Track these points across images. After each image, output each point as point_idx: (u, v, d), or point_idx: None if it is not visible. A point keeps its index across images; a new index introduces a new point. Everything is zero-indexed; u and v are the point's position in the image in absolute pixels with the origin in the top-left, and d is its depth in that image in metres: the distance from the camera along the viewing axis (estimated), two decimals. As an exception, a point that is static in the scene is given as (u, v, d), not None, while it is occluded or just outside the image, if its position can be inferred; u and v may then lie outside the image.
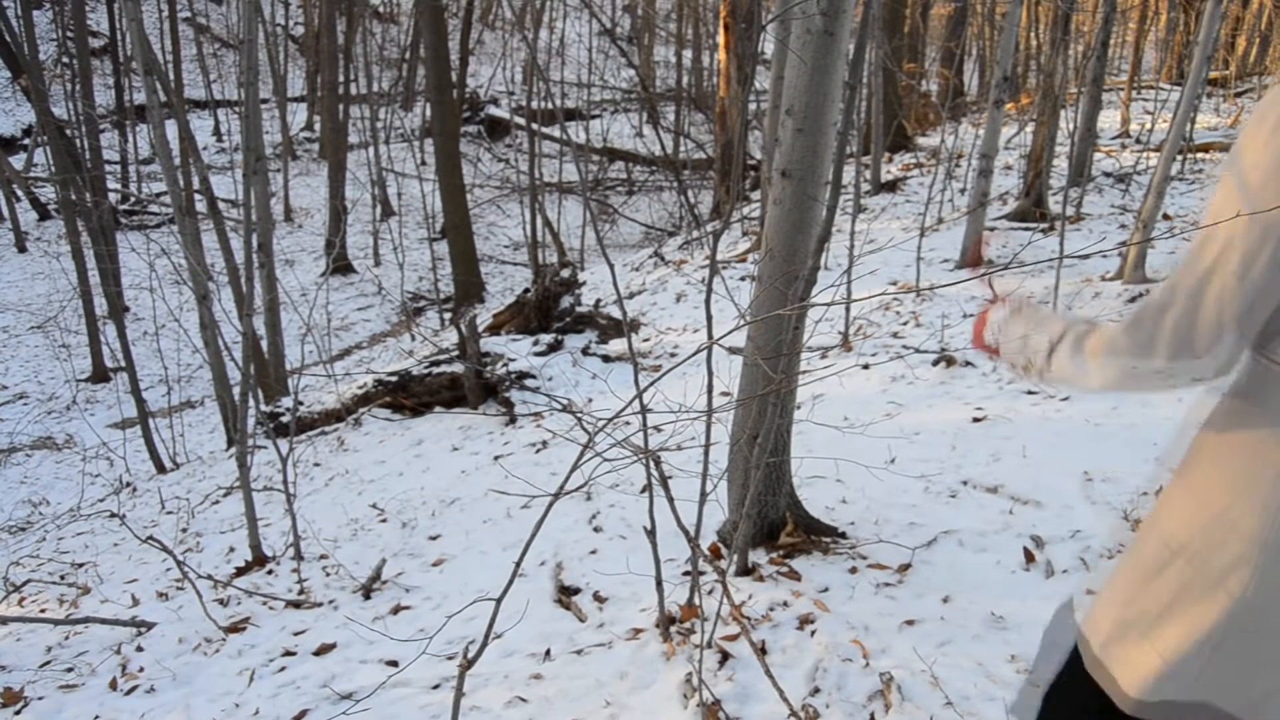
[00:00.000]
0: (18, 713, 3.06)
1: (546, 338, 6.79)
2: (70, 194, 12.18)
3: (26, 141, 19.56)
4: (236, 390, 4.90)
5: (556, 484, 1.98)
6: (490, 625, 2.00)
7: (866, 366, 5.46)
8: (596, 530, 3.84)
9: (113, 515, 5.88)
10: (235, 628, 3.49)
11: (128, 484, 7.95)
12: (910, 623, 2.67)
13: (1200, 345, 1.09)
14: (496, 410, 6.21)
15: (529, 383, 6.24)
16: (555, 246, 13.68)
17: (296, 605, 3.65)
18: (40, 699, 3.14)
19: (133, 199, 18.54)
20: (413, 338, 13.04)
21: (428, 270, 16.15)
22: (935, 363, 5.27)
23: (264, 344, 8.66)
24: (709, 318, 2.38)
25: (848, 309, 6.40)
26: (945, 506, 3.51)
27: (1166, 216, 7.90)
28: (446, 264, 13.94)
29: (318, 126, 22.30)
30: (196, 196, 12.03)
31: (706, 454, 2.62)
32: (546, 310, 7.12)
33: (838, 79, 2.74)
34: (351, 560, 4.06)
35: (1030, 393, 4.65)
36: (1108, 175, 10.19)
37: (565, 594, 3.25)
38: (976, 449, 4.03)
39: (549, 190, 17.15)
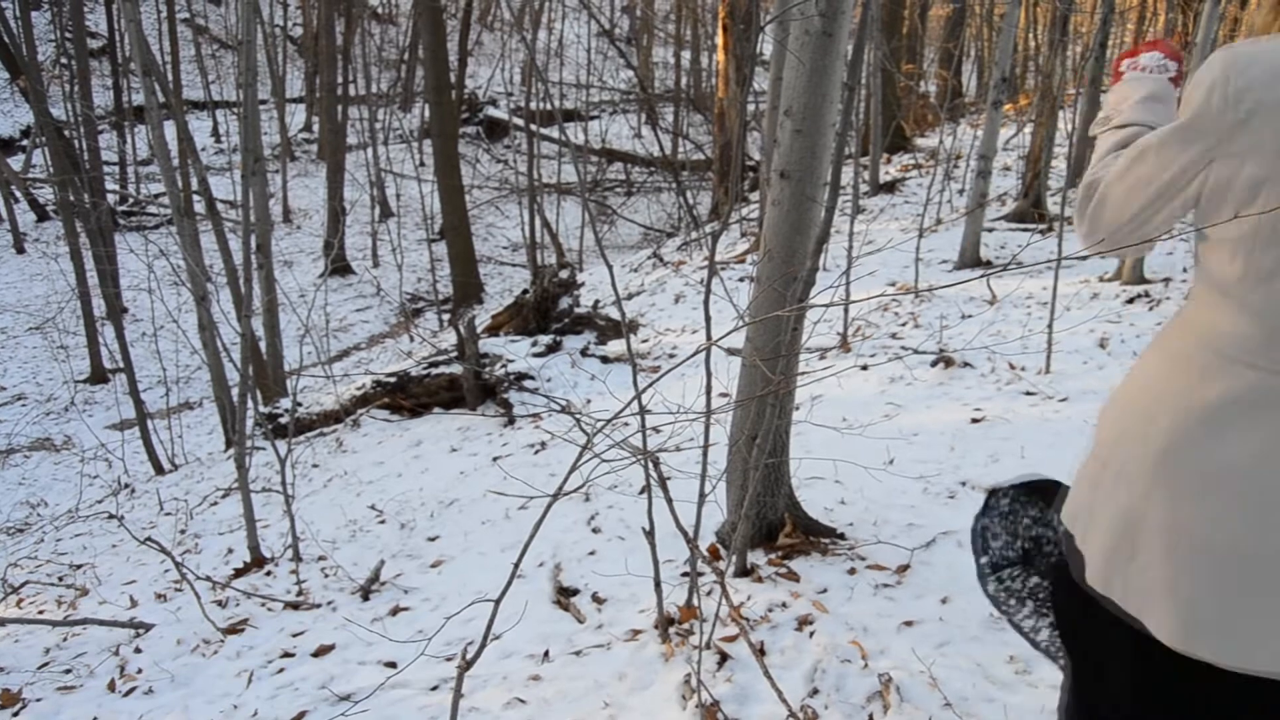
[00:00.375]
0: (16, 714, 3.06)
1: (545, 339, 6.79)
2: (69, 195, 12.17)
3: (25, 142, 19.53)
4: (235, 391, 4.90)
5: (555, 485, 1.98)
6: (489, 626, 2.00)
7: (865, 367, 5.46)
8: (595, 531, 3.84)
9: (111, 516, 5.87)
10: (234, 629, 3.49)
11: (126, 485, 7.95)
12: (909, 624, 2.67)
13: (1099, 235, 1.33)
14: (495, 411, 6.20)
15: (527, 384, 6.24)
16: (554, 247, 13.67)
17: (295, 606, 3.65)
18: (38, 700, 3.14)
19: (131, 200, 18.53)
20: (411, 339, 13.04)
21: (426, 271, 16.15)
22: (934, 364, 5.28)
23: (262, 345, 8.66)
24: (707, 319, 2.38)
25: (846, 310, 6.40)
26: (944, 507, 3.51)
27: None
28: (445, 265, 13.95)
29: (316, 128, 22.28)
30: (195, 198, 12.02)
31: (705, 455, 2.62)
32: (545, 311, 7.11)
33: (836, 80, 2.74)
34: (350, 561, 4.06)
35: (1029, 394, 4.65)
36: (1106, 176, 10.17)
37: (564, 595, 3.24)
38: (975, 450, 4.04)
39: (548, 191, 17.14)
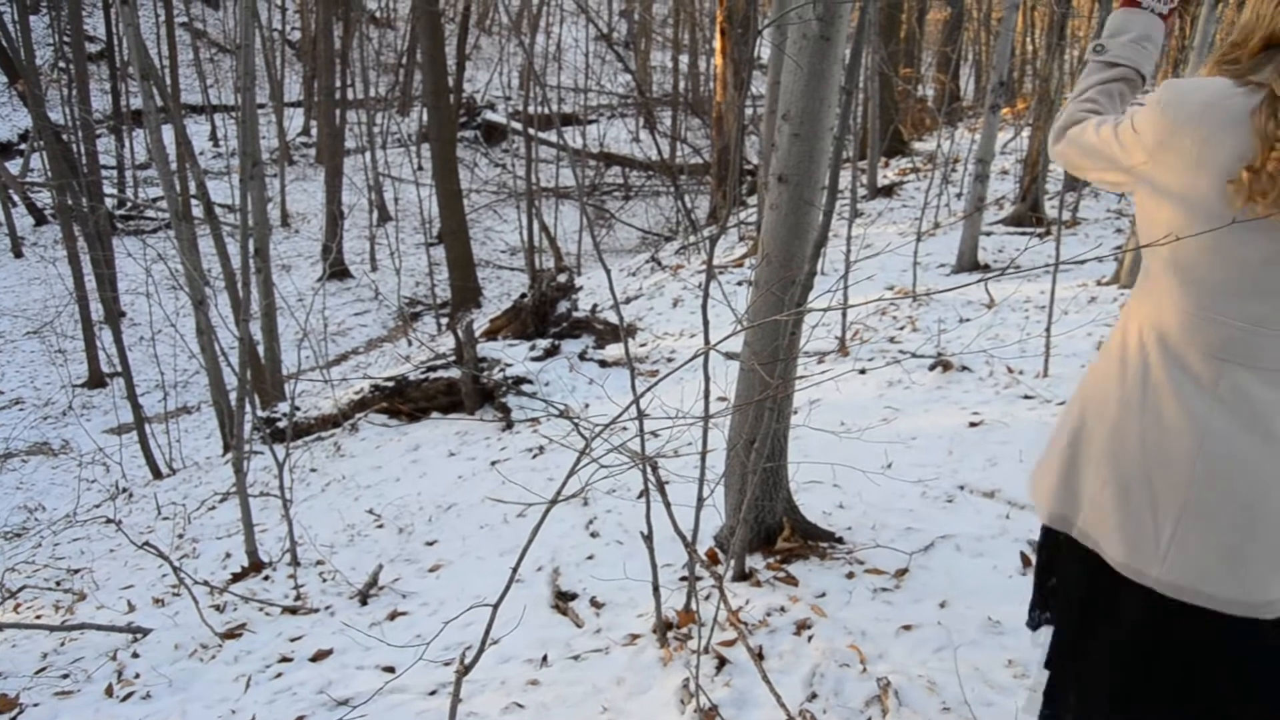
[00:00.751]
0: (13, 720, 3.06)
1: (543, 343, 6.79)
2: (67, 199, 12.16)
3: (23, 146, 19.52)
4: (233, 395, 4.89)
5: (553, 489, 1.98)
6: (487, 631, 2.00)
7: (863, 371, 5.46)
8: (593, 536, 3.84)
9: (109, 521, 5.87)
10: (231, 634, 3.49)
11: (124, 490, 7.93)
12: (907, 628, 2.67)
13: (1062, 161, 1.64)
14: (493, 415, 6.20)
15: (526, 388, 6.24)
16: (552, 251, 13.68)
17: (293, 611, 3.65)
18: (35, 706, 3.13)
19: (129, 204, 18.52)
20: (409, 343, 13.03)
21: (424, 275, 16.15)
22: (932, 367, 5.28)
23: (260, 349, 8.65)
24: (705, 323, 2.38)
25: (844, 314, 6.41)
26: (942, 511, 3.51)
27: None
28: (443, 269, 13.95)
29: (314, 131, 22.29)
30: (193, 202, 12.04)
31: (703, 459, 2.62)
32: (543, 315, 7.11)
33: (834, 84, 2.74)
34: (348, 566, 4.05)
35: (1027, 397, 4.65)
36: (1103, 180, 10.18)
37: (562, 600, 3.24)
38: (973, 454, 4.04)
39: (546, 195, 17.16)
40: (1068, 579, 1.64)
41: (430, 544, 4.21)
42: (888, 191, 11.96)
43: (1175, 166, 1.38)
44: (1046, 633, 1.74)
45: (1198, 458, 1.41)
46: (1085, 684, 1.61)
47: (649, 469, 2.33)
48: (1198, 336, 1.42)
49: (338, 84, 17.51)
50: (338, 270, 16.62)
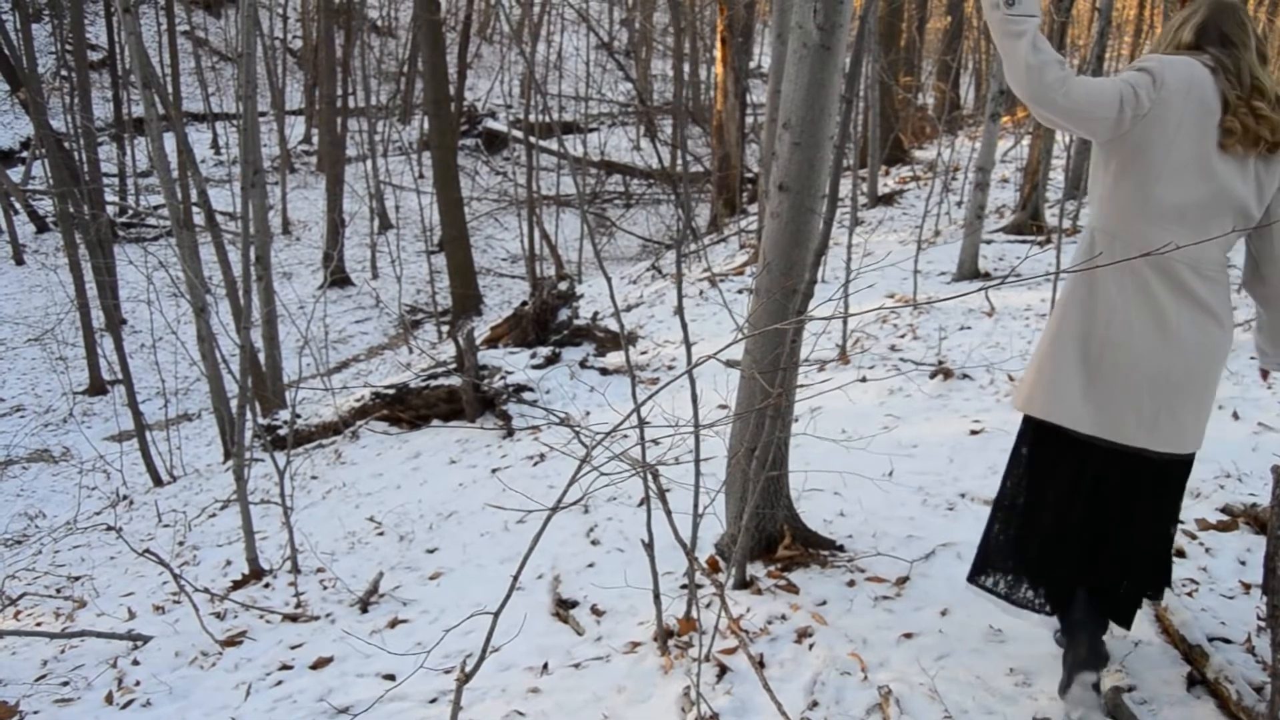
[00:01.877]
0: (12, 727, 3.05)
1: (544, 350, 6.79)
2: (68, 207, 12.19)
3: (25, 154, 19.55)
4: (234, 403, 4.90)
5: (554, 497, 1.98)
6: (488, 639, 2.00)
7: (864, 379, 5.46)
8: (594, 543, 3.84)
9: (109, 528, 5.87)
10: (231, 641, 3.48)
11: (124, 497, 7.93)
12: (908, 636, 2.67)
13: (1040, 104, 1.93)
14: (494, 423, 6.20)
15: (526, 396, 6.24)
16: (553, 259, 13.71)
17: (293, 619, 3.64)
18: (35, 713, 3.12)
19: (130, 212, 18.55)
20: (410, 350, 13.04)
21: (425, 283, 16.17)
22: (933, 375, 5.28)
23: (261, 357, 8.65)
24: (684, 328, 2.39)
25: (845, 322, 6.41)
26: (943, 519, 3.51)
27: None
28: (444, 277, 13.97)
29: (316, 139, 22.32)
30: (194, 209, 12.05)
31: (697, 467, 2.63)
32: (544, 323, 7.12)
33: (834, 93, 2.75)
34: (348, 573, 4.05)
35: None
36: (1103, 188, 10.20)
37: (563, 607, 3.24)
38: (974, 461, 4.04)
39: (546, 203, 17.18)
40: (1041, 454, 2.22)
41: (431, 551, 4.21)
42: (888, 200, 11.99)
43: (1165, 115, 1.91)
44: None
45: (1171, 351, 1.97)
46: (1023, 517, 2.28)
47: (650, 477, 2.34)
48: (1161, 244, 1.87)
49: (339, 92, 17.55)
50: (339, 278, 16.64)
